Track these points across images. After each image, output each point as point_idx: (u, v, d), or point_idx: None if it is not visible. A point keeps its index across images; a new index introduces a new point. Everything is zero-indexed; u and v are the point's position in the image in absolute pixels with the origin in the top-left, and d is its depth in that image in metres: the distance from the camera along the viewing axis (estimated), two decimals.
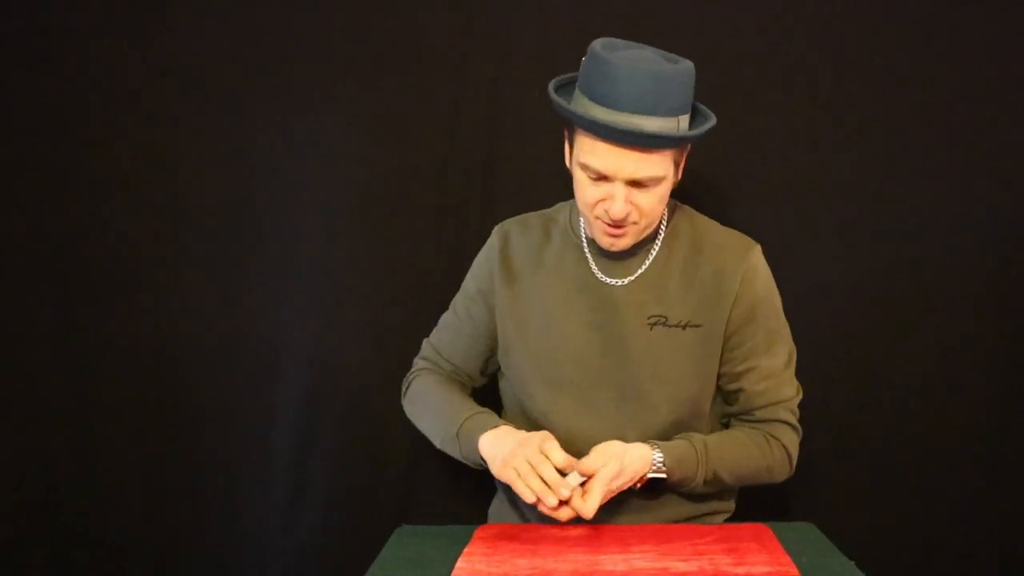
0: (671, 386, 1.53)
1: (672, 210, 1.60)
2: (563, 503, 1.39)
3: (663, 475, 1.48)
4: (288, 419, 2.08)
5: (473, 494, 1.96)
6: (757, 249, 1.57)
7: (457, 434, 1.56)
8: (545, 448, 1.41)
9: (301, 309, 2.06)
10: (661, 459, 1.47)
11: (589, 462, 1.41)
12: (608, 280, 1.57)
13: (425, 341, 1.79)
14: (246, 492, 2.11)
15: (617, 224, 1.46)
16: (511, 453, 1.43)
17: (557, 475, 1.38)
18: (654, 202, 1.45)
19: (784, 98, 1.96)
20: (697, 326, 1.52)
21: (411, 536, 1.50)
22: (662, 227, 1.57)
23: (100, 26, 2.00)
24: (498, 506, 1.75)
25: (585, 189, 1.46)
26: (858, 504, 2.01)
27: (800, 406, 1.61)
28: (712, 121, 1.46)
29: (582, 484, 1.40)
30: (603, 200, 1.44)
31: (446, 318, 1.76)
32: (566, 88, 1.49)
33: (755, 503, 1.70)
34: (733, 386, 1.56)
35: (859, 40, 1.93)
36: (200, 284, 2.06)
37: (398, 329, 2.03)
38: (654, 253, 1.56)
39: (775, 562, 1.30)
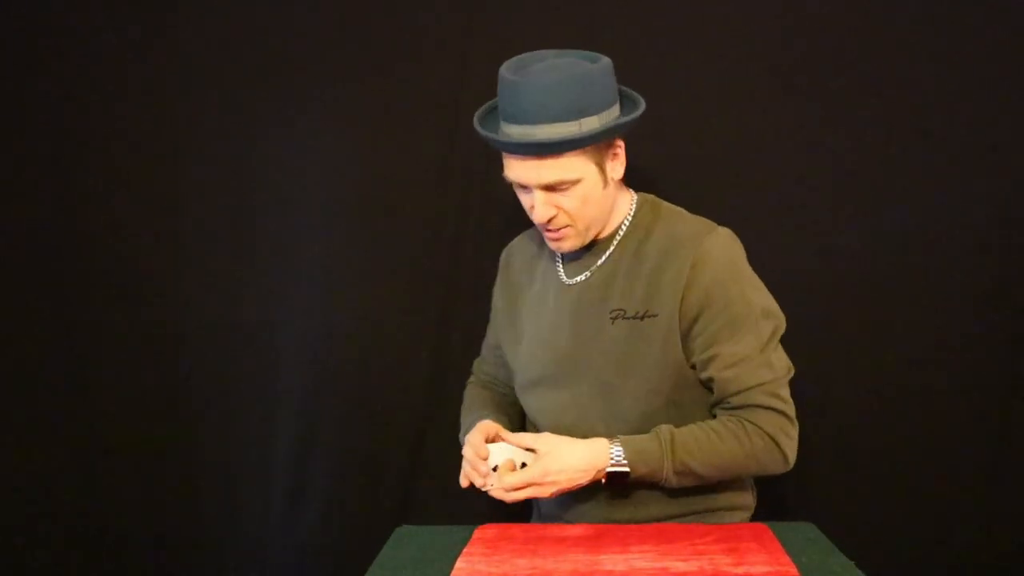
0: (636, 378, 1.53)
1: (640, 205, 1.61)
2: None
3: (625, 468, 1.48)
4: (288, 419, 2.08)
5: (473, 494, 1.96)
6: (717, 233, 1.53)
7: (465, 440, 1.65)
8: (470, 436, 1.56)
9: (301, 309, 2.06)
10: (620, 453, 1.48)
11: (523, 437, 1.53)
12: (570, 280, 1.61)
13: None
14: (246, 492, 2.11)
15: (548, 228, 1.53)
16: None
17: (474, 456, 1.52)
18: (577, 204, 1.50)
19: (784, 97, 1.95)
20: (654, 315, 1.51)
21: (411, 536, 1.50)
22: (624, 223, 1.59)
23: (101, 26, 2.01)
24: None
25: (520, 199, 1.56)
26: (858, 504, 2.00)
27: (802, 404, 1.57)
28: (626, 116, 1.48)
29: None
30: (533, 207, 1.53)
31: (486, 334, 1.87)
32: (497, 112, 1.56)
33: (755, 503, 1.70)
34: (704, 375, 1.53)
35: (860, 40, 1.93)
36: (200, 284, 2.07)
37: (398, 329, 2.03)
38: (611, 248, 1.58)
39: (775, 562, 1.30)
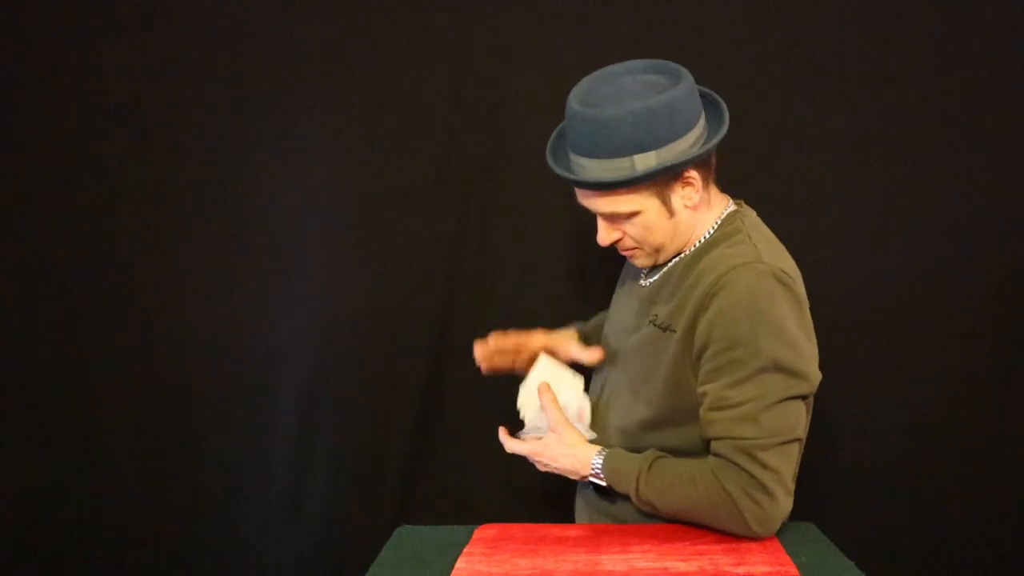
0: (648, 385, 1.51)
1: (725, 221, 1.54)
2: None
3: (602, 482, 1.51)
4: (288, 420, 2.08)
5: (473, 494, 1.96)
6: (750, 267, 1.40)
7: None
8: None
9: (301, 309, 2.06)
10: (600, 465, 1.51)
11: (555, 410, 1.57)
12: (642, 280, 1.61)
13: None
14: (245, 494, 2.11)
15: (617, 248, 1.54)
16: None
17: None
18: (639, 231, 1.49)
19: (786, 98, 1.95)
20: (673, 331, 1.47)
21: (411, 536, 1.50)
22: (704, 236, 1.53)
23: (100, 27, 2.01)
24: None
25: None
26: (858, 504, 2.01)
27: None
28: (685, 154, 1.41)
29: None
30: None
31: None
32: None
33: None
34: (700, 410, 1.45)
35: (860, 44, 1.93)
36: (199, 285, 2.06)
37: (398, 329, 2.03)
38: (678, 258, 1.54)
39: (775, 562, 1.30)
